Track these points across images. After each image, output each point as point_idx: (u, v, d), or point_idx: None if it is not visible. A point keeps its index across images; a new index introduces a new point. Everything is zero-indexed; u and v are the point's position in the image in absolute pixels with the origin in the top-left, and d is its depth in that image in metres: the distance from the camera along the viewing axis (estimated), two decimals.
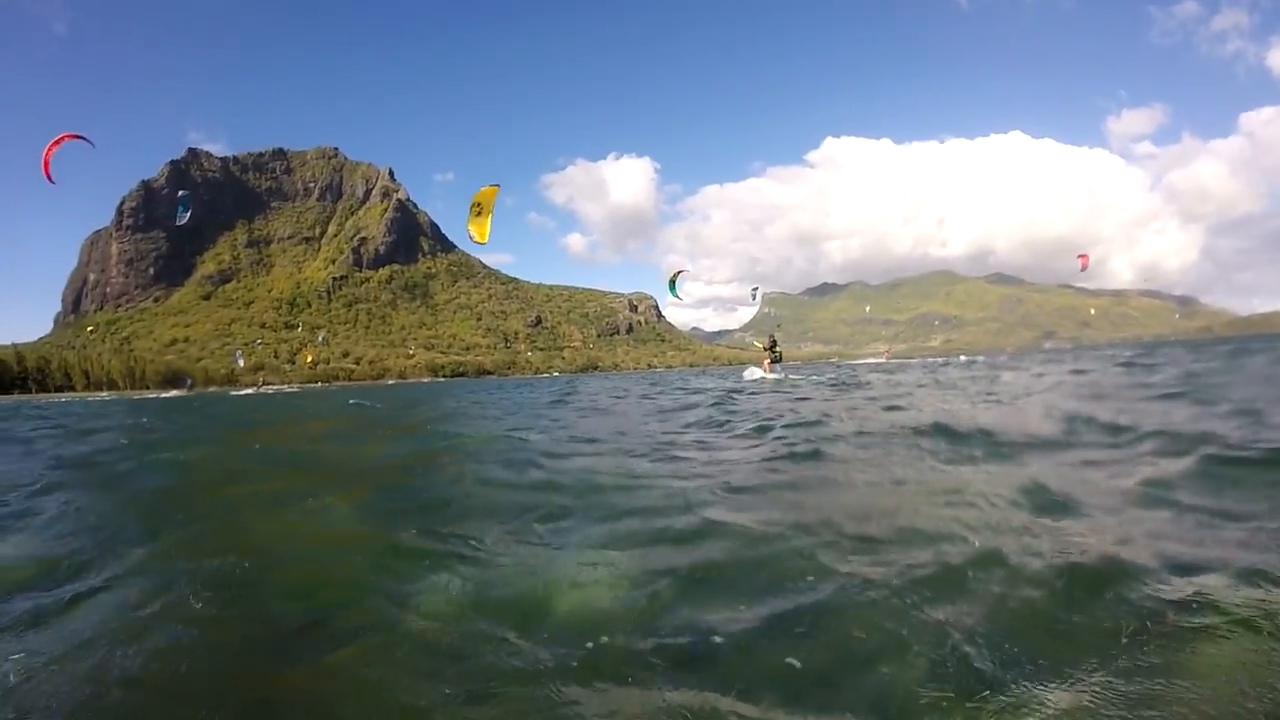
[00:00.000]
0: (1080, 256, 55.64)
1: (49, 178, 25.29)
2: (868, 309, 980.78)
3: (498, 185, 17.26)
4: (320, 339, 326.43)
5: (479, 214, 17.02)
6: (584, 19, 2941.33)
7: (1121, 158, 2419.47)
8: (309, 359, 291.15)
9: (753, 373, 38.41)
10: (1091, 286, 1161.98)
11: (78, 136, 26.38)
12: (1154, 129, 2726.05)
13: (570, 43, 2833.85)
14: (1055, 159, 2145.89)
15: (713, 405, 18.04)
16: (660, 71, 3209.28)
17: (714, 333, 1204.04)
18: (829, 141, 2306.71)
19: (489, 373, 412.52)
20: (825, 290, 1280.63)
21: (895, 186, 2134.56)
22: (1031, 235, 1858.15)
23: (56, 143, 25.01)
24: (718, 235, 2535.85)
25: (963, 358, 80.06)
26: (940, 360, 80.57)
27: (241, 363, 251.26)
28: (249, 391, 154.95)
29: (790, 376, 38.47)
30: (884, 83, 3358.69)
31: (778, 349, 41.04)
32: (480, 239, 17.16)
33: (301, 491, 7.62)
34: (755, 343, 49.08)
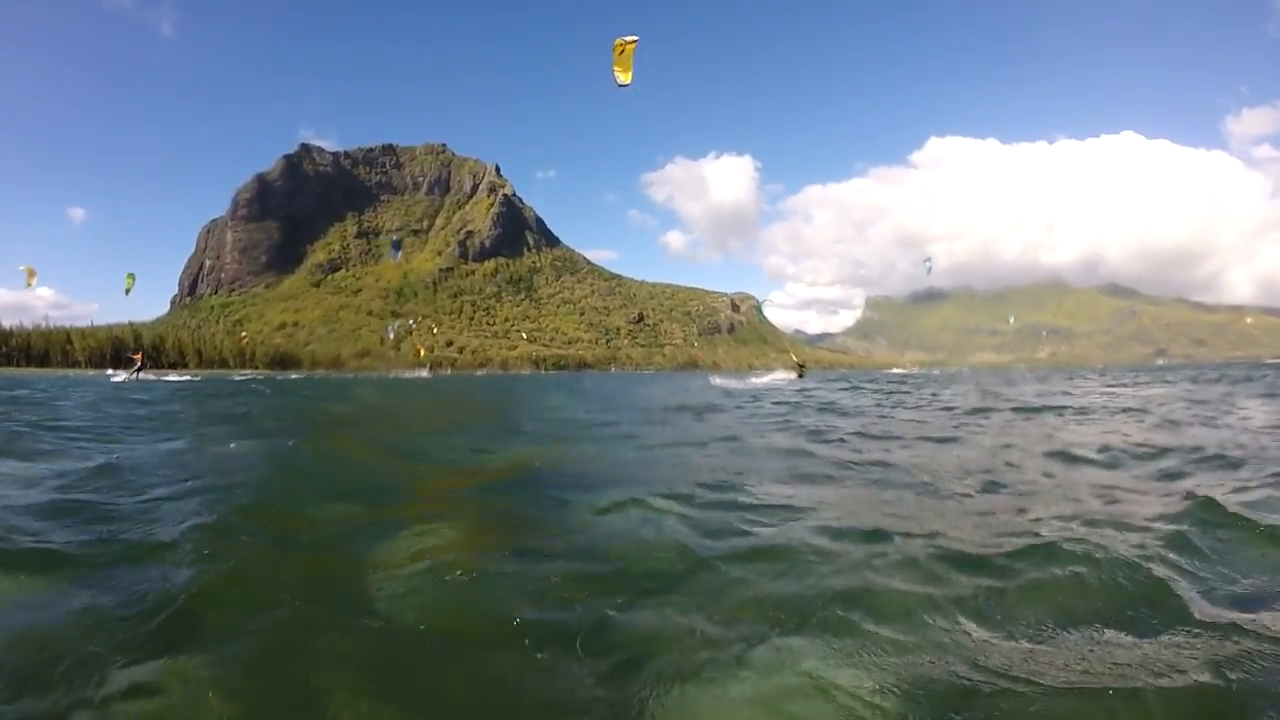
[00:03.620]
0: None
1: None
2: (1011, 319, 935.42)
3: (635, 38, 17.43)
4: (392, 329, 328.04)
5: (621, 54, 17.16)
6: (682, 17, 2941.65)
7: (1241, 161, 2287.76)
8: (421, 352, 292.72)
9: (775, 378, 54.50)
10: (1209, 300, 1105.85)
11: None
12: (1276, 129, 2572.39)
13: (671, 41, 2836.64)
14: (1171, 162, 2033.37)
15: None
16: (761, 70, 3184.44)
17: (816, 335, 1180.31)
18: (933, 141, 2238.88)
19: (589, 366, 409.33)
20: (931, 296, 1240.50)
21: (1002, 189, 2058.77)
22: (1146, 243, 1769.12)
23: None
24: (820, 236, 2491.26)
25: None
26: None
27: (392, 335, 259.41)
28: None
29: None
30: (989, 81, 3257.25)
31: (805, 367, 62.42)
32: (624, 77, 17.48)
33: None
34: (794, 356, 71.30)
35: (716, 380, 57.27)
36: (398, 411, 24.18)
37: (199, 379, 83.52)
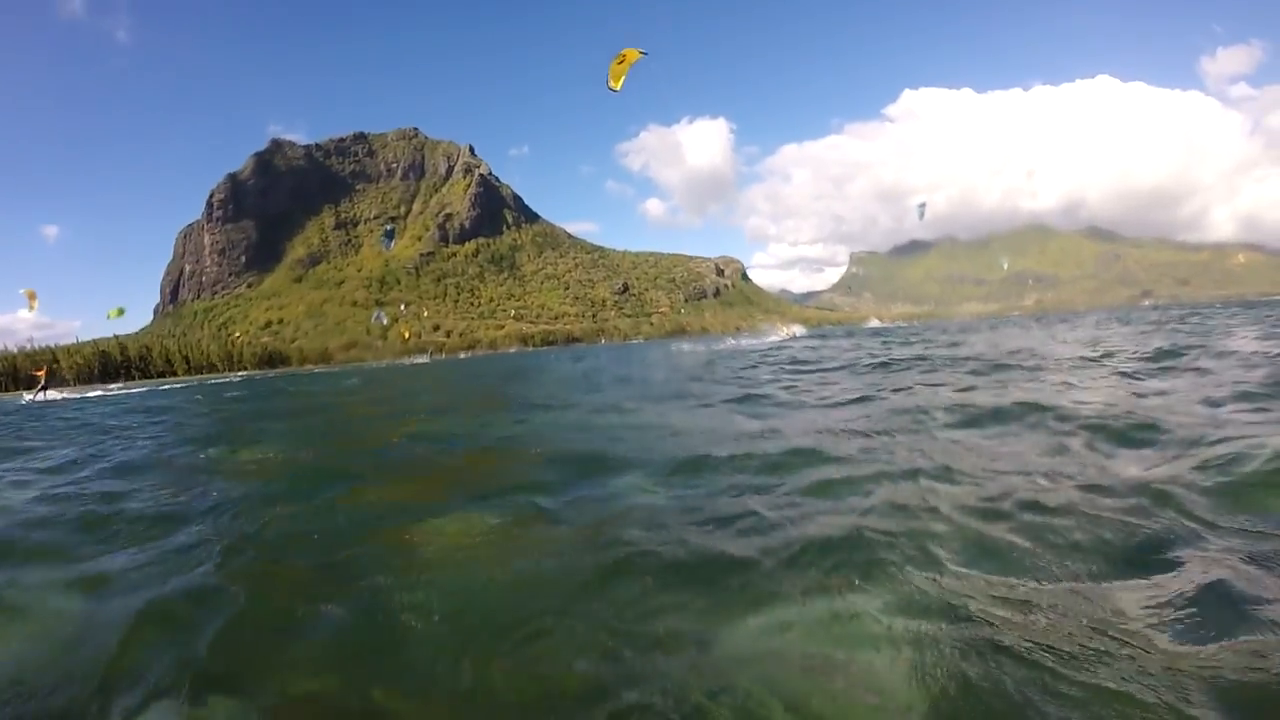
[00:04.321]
0: None
1: None
2: (1005, 264, 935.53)
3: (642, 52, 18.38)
4: (382, 316, 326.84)
5: (620, 63, 18.09)
6: None
7: (1218, 100, 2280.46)
8: (406, 334, 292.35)
9: (778, 334, 64.03)
10: (1192, 240, 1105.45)
11: None
12: (1252, 68, 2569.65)
13: (637, 7, 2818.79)
14: (1147, 103, 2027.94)
15: None
16: (730, 31, 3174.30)
17: (802, 294, 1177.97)
18: (906, 94, 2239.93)
19: (578, 340, 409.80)
20: (914, 249, 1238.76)
21: (979, 138, 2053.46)
22: (1126, 185, 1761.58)
23: None
24: (799, 194, 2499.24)
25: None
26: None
27: (384, 321, 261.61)
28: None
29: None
30: (961, 30, 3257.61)
31: (797, 330, 70.97)
32: (614, 84, 18.54)
33: None
34: (780, 325, 77.68)
35: (685, 346, 58.73)
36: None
37: (132, 390, 73.89)
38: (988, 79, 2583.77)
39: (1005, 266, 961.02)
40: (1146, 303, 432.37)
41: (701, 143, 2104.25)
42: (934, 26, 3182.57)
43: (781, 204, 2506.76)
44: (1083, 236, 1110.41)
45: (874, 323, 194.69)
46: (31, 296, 61.67)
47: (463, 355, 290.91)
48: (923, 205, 75.03)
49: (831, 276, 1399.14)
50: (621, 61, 18.42)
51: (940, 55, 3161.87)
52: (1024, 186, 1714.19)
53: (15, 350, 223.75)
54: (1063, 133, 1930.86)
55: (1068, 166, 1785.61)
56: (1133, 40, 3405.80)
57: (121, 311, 69.52)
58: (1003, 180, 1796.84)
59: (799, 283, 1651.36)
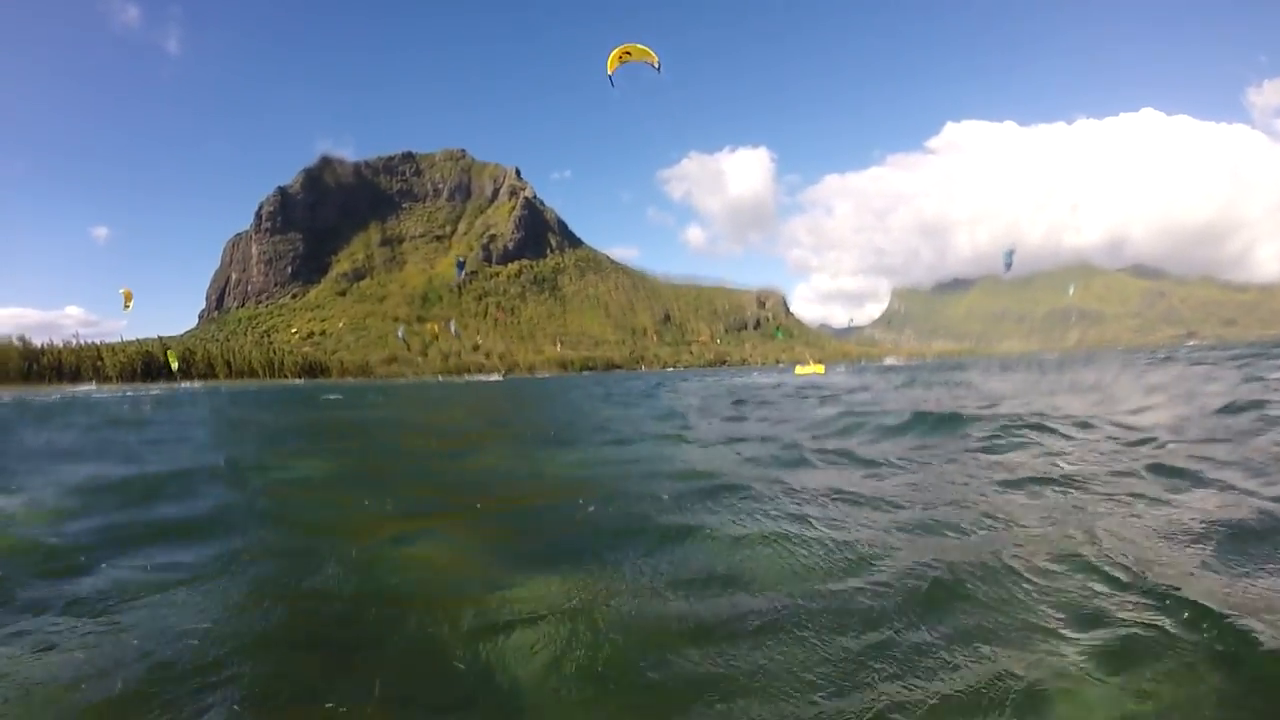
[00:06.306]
0: None
1: None
2: (1071, 290, 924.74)
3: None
4: (399, 334, 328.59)
5: (629, 54, 18.10)
6: (691, 11, 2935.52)
7: (1264, 133, 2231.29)
8: (434, 329, 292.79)
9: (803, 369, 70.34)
10: (1239, 279, 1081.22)
11: None
12: None
13: (681, 35, 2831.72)
14: (1192, 137, 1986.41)
15: None
16: (773, 61, 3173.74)
17: (842, 329, 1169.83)
18: (949, 127, 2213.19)
19: (618, 367, 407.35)
20: (956, 286, 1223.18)
21: (1023, 172, 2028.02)
22: (1170, 221, 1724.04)
23: None
24: (841, 227, 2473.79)
25: None
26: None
27: (402, 336, 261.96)
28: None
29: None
30: (1003, 63, 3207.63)
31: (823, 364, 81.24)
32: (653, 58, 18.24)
33: None
34: (811, 361, 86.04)
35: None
36: None
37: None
38: (1031, 112, 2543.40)
39: (1071, 292, 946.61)
40: (1191, 342, 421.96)
41: (743, 172, 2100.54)
42: (976, 59, 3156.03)
43: (823, 236, 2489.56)
44: (1127, 274, 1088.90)
45: (889, 360, 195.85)
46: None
47: (492, 378, 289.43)
48: (1011, 253, 70.85)
49: (872, 310, 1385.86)
50: (629, 53, 18.21)
51: (982, 88, 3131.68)
52: (1068, 222, 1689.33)
53: (61, 345, 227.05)
54: (1106, 167, 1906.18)
55: (1112, 202, 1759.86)
56: (1177, 72, 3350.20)
57: (129, 297, 68.41)
58: (1046, 215, 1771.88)
59: (839, 317, 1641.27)
